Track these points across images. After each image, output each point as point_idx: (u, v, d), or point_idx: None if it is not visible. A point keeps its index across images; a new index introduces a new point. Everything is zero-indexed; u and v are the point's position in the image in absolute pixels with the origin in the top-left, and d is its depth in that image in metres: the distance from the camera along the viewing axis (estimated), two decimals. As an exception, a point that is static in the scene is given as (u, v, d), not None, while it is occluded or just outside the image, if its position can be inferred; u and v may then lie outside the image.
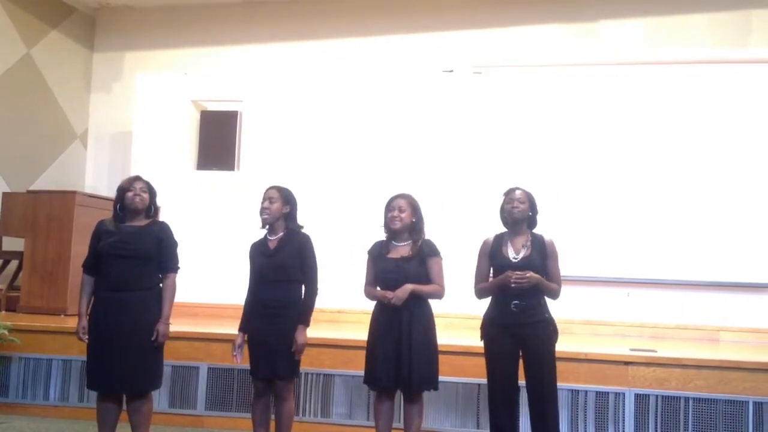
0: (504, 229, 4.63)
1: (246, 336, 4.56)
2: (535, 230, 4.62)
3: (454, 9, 8.32)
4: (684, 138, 7.51)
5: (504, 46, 8.16)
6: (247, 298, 4.60)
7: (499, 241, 4.58)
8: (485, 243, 4.64)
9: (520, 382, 4.50)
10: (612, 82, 7.78)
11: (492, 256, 4.55)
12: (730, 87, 7.52)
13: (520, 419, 4.65)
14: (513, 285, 4.33)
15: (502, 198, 4.61)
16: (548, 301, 4.51)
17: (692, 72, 7.66)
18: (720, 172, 7.42)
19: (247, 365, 4.62)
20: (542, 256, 4.47)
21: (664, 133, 7.56)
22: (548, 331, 4.44)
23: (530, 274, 4.34)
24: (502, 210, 4.60)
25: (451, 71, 8.12)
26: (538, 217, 4.63)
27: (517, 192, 4.56)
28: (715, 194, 7.40)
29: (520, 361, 4.49)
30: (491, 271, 4.58)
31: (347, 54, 8.52)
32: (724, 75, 7.58)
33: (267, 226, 4.59)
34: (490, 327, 4.52)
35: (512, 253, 4.49)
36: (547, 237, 4.56)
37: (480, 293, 4.61)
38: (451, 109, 8.05)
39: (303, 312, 4.49)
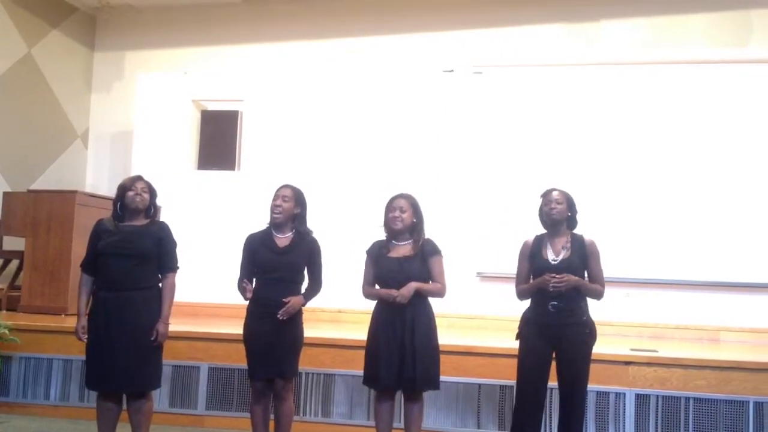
0: (542, 230, 4.62)
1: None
2: (576, 230, 4.60)
3: (454, 9, 8.32)
4: (684, 138, 7.50)
5: (504, 46, 8.16)
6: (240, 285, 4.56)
7: (539, 242, 4.55)
8: (525, 244, 4.61)
9: (549, 383, 4.50)
10: (612, 83, 7.77)
11: (532, 257, 4.53)
12: (731, 87, 7.50)
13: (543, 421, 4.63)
14: (551, 289, 4.32)
15: (540, 200, 4.59)
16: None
17: (692, 72, 7.64)
18: (720, 172, 7.41)
19: (244, 364, 4.62)
20: (582, 258, 4.46)
21: (665, 134, 7.54)
22: (584, 333, 4.42)
23: (568, 276, 4.32)
24: (541, 212, 4.57)
25: (452, 71, 8.13)
26: (579, 217, 4.62)
27: (555, 193, 4.53)
28: (716, 194, 7.39)
29: (552, 364, 4.49)
30: (531, 272, 4.56)
31: (348, 54, 8.52)
32: (724, 75, 7.56)
33: (275, 224, 4.58)
34: (526, 327, 4.51)
35: (551, 255, 4.47)
36: (587, 237, 4.54)
37: (521, 294, 4.59)
38: (451, 109, 8.05)
39: (308, 292, 4.55)
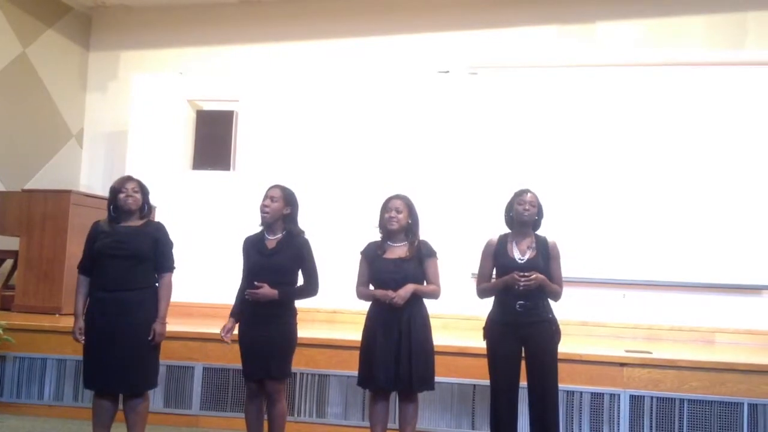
0: (507, 230, 4.66)
1: (237, 323, 4.56)
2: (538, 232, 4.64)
3: (450, 10, 8.33)
4: (680, 140, 7.52)
5: (500, 47, 8.17)
6: (241, 290, 4.57)
7: (504, 241, 4.60)
8: (489, 243, 4.65)
9: (522, 383, 4.52)
10: (608, 84, 7.79)
11: (497, 256, 4.57)
12: (727, 89, 7.53)
13: (520, 420, 4.63)
14: (521, 287, 4.35)
15: (512, 197, 4.63)
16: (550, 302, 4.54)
17: (689, 74, 7.66)
18: (716, 174, 7.43)
19: (238, 364, 4.61)
20: (546, 258, 4.51)
21: (661, 135, 7.57)
22: (551, 331, 4.47)
23: (536, 275, 4.36)
24: (510, 209, 4.62)
25: (447, 72, 8.14)
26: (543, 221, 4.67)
27: (529, 195, 4.57)
28: (712, 196, 7.41)
29: (523, 363, 4.51)
30: (494, 271, 4.60)
31: (343, 54, 8.52)
32: (720, 77, 7.59)
33: (265, 225, 4.57)
34: (493, 327, 4.54)
35: (518, 255, 4.51)
36: (550, 239, 4.59)
37: (482, 293, 4.63)
38: (447, 110, 8.05)
39: (293, 290, 4.49)
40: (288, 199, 4.56)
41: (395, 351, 4.38)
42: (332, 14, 8.64)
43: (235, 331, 4.59)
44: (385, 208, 4.57)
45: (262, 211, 4.52)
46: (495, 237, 4.66)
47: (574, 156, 7.71)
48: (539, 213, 4.61)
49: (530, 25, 8.15)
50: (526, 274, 4.35)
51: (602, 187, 7.62)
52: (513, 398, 4.50)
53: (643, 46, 7.85)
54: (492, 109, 7.98)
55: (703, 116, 7.52)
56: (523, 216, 4.54)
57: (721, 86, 7.55)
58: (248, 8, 8.89)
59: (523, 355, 4.50)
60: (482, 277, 4.64)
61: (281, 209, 4.52)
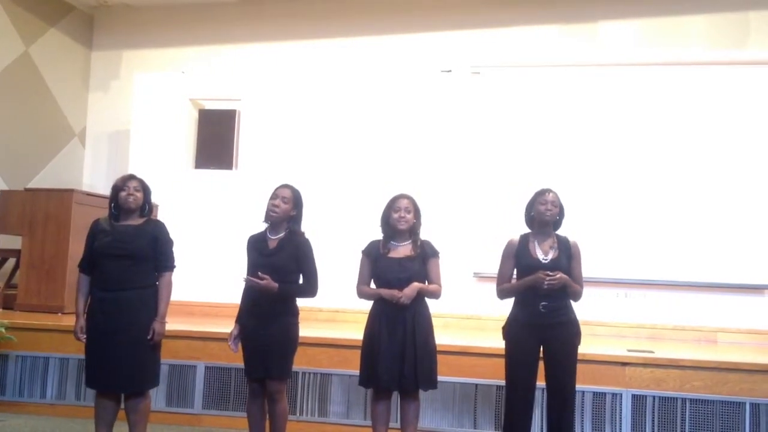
0: (526, 230, 4.65)
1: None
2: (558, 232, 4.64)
3: (452, 9, 8.32)
4: (682, 139, 7.51)
5: (502, 47, 8.16)
6: (243, 291, 4.58)
7: (525, 242, 4.57)
8: (510, 244, 4.62)
9: (538, 383, 4.51)
10: (610, 83, 7.77)
11: (519, 256, 4.54)
12: (729, 88, 7.51)
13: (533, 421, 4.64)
14: (546, 286, 4.33)
15: (533, 197, 4.61)
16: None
17: (690, 73, 7.65)
18: (718, 174, 7.41)
19: (242, 364, 4.62)
20: (568, 258, 4.50)
21: (662, 135, 7.55)
22: (572, 332, 4.46)
23: (560, 274, 4.35)
24: (531, 210, 4.60)
25: (450, 71, 8.13)
26: (566, 220, 4.67)
27: (551, 195, 4.55)
28: (714, 195, 7.40)
29: (540, 363, 4.51)
30: (515, 272, 4.57)
31: (346, 53, 8.51)
32: (722, 76, 7.56)
33: (269, 223, 4.57)
34: (514, 327, 4.52)
35: (542, 255, 4.49)
36: (571, 239, 4.58)
37: (503, 294, 4.60)
38: (449, 110, 8.05)
39: (292, 288, 4.46)
40: (297, 200, 4.56)
41: (400, 349, 4.39)
42: (334, 13, 8.63)
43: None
44: (393, 207, 4.55)
45: (271, 210, 4.50)
46: (516, 237, 4.62)
47: (576, 155, 7.69)
48: (561, 213, 4.58)
49: (533, 25, 8.14)
50: (550, 273, 4.34)
51: (605, 186, 7.60)
52: (529, 399, 4.49)
53: (646, 45, 7.84)
54: (495, 109, 7.97)
55: (705, 116, 7.50)
56: (544, 216, 4.51)
57: (723, 86, 7.53)
58: (250, 7, 8.89)
59: (541, 355, 4.49)
60: (503, 278, 4.61)
61: (289, 211, 4.52)
